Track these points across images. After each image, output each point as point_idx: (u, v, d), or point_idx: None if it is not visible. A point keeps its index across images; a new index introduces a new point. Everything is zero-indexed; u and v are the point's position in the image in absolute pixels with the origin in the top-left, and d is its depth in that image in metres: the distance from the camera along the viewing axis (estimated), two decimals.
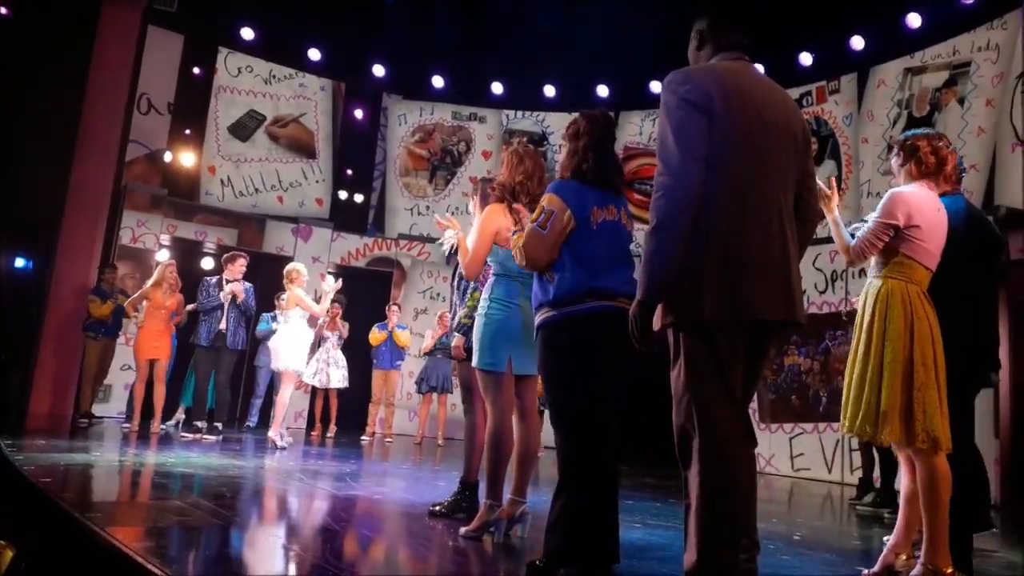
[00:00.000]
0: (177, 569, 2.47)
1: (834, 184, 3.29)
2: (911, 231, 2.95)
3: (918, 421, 2.82)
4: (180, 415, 8.11)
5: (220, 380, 7.26)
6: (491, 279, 3.49)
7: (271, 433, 6.70)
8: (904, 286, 2.94)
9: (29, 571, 3.03)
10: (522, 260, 2.87)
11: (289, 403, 7.05)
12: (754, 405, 8.61)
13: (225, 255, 7.48)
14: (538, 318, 2.87)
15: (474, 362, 3.45)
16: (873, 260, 3.07)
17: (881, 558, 3.11)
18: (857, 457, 7.48)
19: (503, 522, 3.36)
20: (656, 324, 2.23)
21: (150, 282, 7.43)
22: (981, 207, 7.08)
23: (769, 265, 2.16)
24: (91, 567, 2.80)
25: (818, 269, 8.37)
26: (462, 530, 3.38)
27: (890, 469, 5.28)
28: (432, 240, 10.73)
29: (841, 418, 3.08)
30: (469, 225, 3.80)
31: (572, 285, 2.77)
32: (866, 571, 3.12)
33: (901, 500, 3.11)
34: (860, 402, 2.95)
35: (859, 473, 7.32)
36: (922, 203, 2.98)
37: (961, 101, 7.69)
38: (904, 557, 3.05)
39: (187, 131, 9.81)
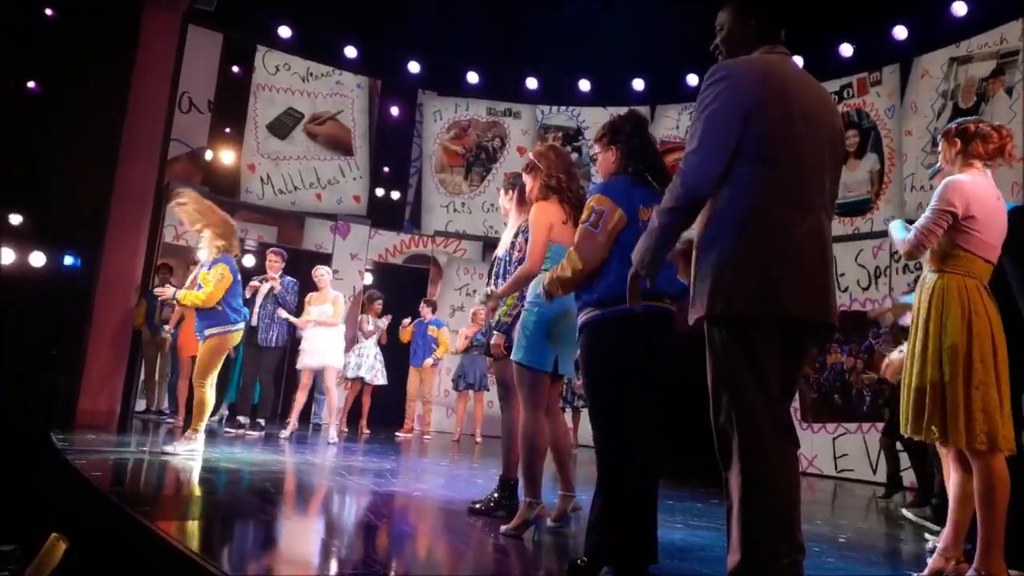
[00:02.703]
0: (223, 562, 2.52)
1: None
2: (968, 222, 2.82)
3: (977, 421, 2.71)
4: (224, 411, 8.25)
5: (262, 377, 7.36)
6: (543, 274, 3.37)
7: (333, 431, 7.15)
8: (961, 280, 2.83)
9: (82, 564, 3.10)
10: (578, 263, 2.82)
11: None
12: (796, 404, 8.49)
13: None
14: (582, 317, 2.86)
15: (516, 356, 3.42)
16: (928, 254, 2.94)
17: (931, 563, 3.04)
18: (904, 458, 7.34)
19: (543, 520, 3.37)
20: (691, 319, 2.25)
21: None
22: None
23: (807, 263, 2.14)
24: (141, 560, 2.86)
25: (861, 265, 8.22)
26: (502, 528, 3.38)
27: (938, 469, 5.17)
28: (468, 237, 10.77)
29: (901, 418, 2.99)
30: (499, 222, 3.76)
31: (622, 285, 2.69)
32: (915, 575, 3.07)
33: (951, 502, 3.01)
34: (922, 402, 2.86)
35: (907, 474, 7.21)
36: (980, 192, 2.85)
37: (1009, 91, 7.48)
38: (954, 562, 2.97)
39: (227, 129, 9.93)
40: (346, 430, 8.41)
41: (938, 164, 3.16)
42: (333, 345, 7.33)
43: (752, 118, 2.12)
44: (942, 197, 2.84)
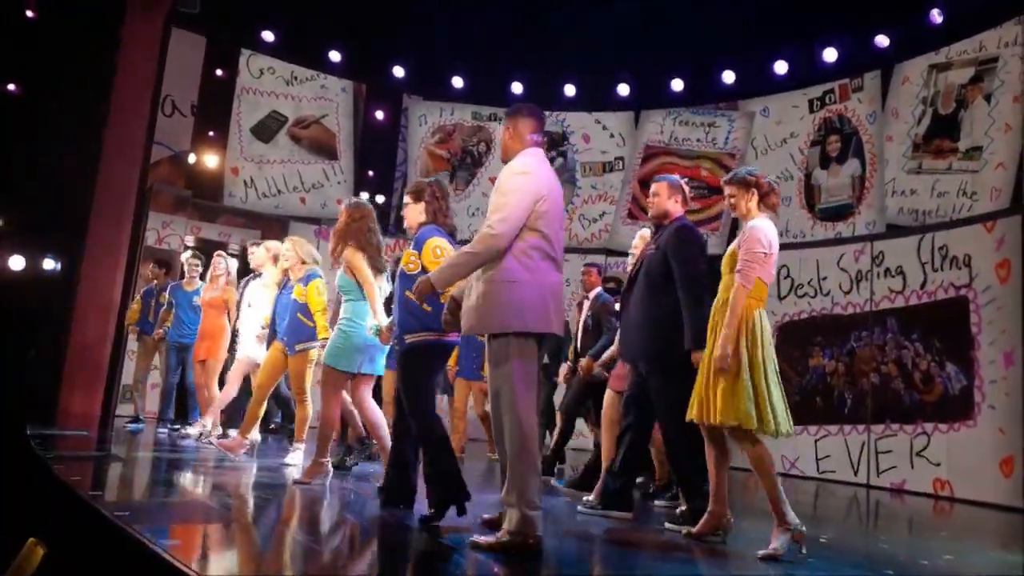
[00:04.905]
0: (203, 566, 2.50)
1: None
2: (767, 257, 3.51)
3: (763, 408, 3.37)
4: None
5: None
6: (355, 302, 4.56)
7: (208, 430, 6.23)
8: (756, 303, 3.48)
9: (60, 569, 3.07)
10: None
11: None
12: None
13: None
14: (413, 339, 3.74)
15: (340, 364, 4.49)
16: (729, 280, 3.53)
17: (702, 524, 3.60)
18: (885, 459, 7.42)
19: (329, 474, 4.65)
20: (469, 331, 3.24)
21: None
22: (1009, 204, 6.99)
23: (560, 299, 3.22)
24: (120, 565, 2.83)
25: (843, 269, 8.28)
26: (295, 478, 4.55)
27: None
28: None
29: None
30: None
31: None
32: (684, 530, 3.67)
33: (712, 472, 3.61)
34: (728, 393, 3.46)
35: (888, 475, 7.28)
36: (772, 232, 3.56)
37: (988, 98, 7.57)
38: (725, 519, 3.59)
39: (210, 133, 9.89)
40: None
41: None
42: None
43: (540, 202, 3.14)
44: (755, 243, 3.49)
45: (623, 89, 10.52)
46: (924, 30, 8.19)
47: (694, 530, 3.61)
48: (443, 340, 3.73)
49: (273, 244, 6.23)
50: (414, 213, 4.04)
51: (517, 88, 10.94)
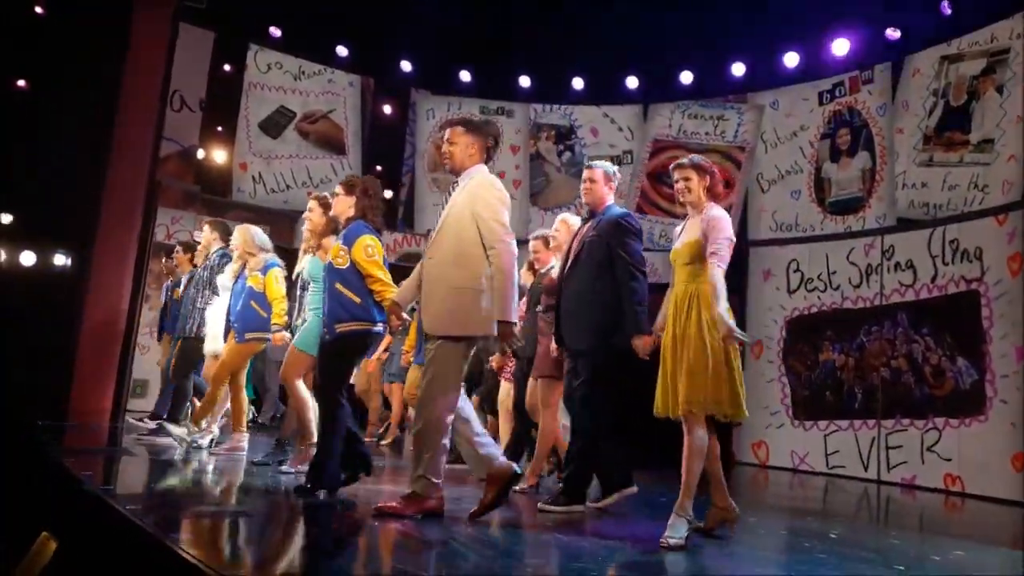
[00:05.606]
0: (215, 560, 2.51)
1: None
2: (731, 245, 3.51)
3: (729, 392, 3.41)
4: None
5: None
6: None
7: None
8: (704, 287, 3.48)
9: (72, 562, 3.09)
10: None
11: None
12: (788, 402, 8.52)
13: None
14: (344, 328, 3.93)
15: (311, 349, 4.48)
16: (690, 271, 3.50)
17: (707, 518, 3.61)
18: (895, 454, 7.39)
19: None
20: (456, 331, 3.46)
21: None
22: (1020, 197, 6.93)
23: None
24: (131, 558, 2.85)
25: (852, 263, 8.24)
26: (293, 468, 4.63)
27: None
28: None
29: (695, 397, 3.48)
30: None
31: (380, 309, 3.97)
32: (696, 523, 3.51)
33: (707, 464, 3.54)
34: (698, 383, 3.44)
35: (898, 470, 7.25)
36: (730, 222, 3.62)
37: (1000, 89, 7.50)
38: (731, 512, 3.61)
39: (219, 128, 9.91)
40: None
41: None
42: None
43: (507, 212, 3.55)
44: (725, 231, 3.48)
45: (631, 82, 10.47)
46: (935, 21, 8.12)
47: (702, 525, 3.60)
48: (372, 330, 4.01)
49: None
50: (343, 205, 4.20)
51: (525, 82, 10.91)
